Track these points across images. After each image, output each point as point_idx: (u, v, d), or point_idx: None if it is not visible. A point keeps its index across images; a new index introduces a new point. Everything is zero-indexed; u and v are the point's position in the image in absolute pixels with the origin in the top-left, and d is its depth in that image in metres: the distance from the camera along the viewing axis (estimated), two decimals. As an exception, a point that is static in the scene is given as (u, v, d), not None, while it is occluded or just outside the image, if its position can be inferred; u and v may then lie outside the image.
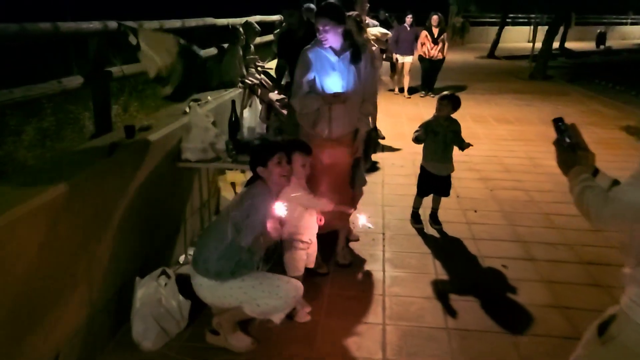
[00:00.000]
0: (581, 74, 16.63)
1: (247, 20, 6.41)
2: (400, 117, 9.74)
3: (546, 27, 17.24)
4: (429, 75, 12.22)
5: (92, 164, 2.96)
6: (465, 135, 4.83)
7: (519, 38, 29.14)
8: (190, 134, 4.00)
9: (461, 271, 4.18)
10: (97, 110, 3.73)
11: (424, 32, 11.68)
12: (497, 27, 23.96)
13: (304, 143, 3.49)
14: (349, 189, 4.06)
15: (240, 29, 5.96)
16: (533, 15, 28.14)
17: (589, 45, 27.60)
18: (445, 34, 11.81)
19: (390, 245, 4.61)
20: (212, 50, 5.68)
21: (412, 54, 11.71)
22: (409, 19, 11.65)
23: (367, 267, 4.23)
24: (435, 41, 11.64)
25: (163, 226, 3.86)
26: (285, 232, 3.41)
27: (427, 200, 5.05)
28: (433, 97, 10.95)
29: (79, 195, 2.76)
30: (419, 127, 4.79)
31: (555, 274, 4.13)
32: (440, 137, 4.73)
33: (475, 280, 4.04)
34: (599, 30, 28.50)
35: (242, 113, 5.33)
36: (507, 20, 25.43)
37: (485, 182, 6.25)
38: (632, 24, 35.95)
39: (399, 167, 6.86)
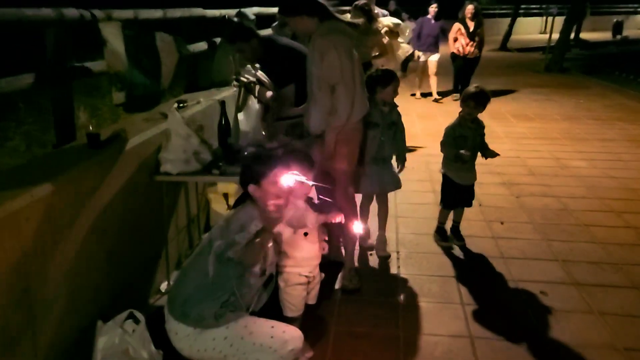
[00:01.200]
0: (599, 66, 15.89)
1: (240, 10, 5.76)
2: (410, 115, 9.07)
3: (560, 18, 16.50)
4: (464, 75, 10.45)
5: (42, 180, 2.36)
6: (485, 132, 4.24)
7: (532, 30, 28.36)
8: (170, 143, 3.39)
9: (492, 300, 3.55)
10: (57, 116, 3.11)
11: (457, 25, 9.99)
12: (508, 19, 23.19)
13: (306, 154, 2.87)
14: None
15: (235, 20, 5.32)
16: (545, 6, 27.45)
17: (605, 36, 26.74)
18: (482, 28, 10.08)
19: (406, 266, 3.98)
20: (202, 45, 5.04)
21: (437, 50, 10.10)
22: (433, 9, 10.02)
23: (379, 295, 3.60)
24: (471, 36, 9.91)
25: (139, 250, 3.25)
26: (281, 263, 2.79)
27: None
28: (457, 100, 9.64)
29: (24, 217, 2.19)
30: (445, 133, 4.18)
31: (606, 303, 3.48)
32: (469, 143, 4.11)
33: (511, 312, 3.41)
34: (615, 20, 27.60)
35: (236, 116, 4.70)
36: (520, 11, 24.66)
37: (509, 188, 5.60)
38: (647, 13, 34.96)
39: (410, 170, 6.18)
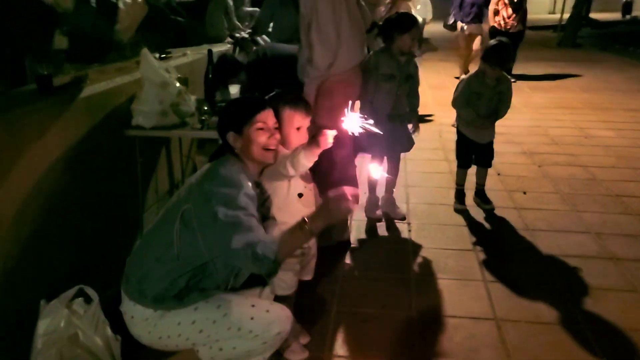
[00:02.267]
0: (613, 42, 15.21)
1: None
2: (421, 86, 8.49)
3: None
4: None
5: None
6: None
7: (540, 10, 27.48)
8: (143, 92, 2.89)
9: (518, 276, 3.04)
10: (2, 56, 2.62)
11: None
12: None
13: (298, 95, 2.37)
14: None
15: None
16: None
17: (614, 16, 25.93)
18: None
19: (419, 238, 3.48)
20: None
21: (480, 21, 8.28)
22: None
23: (388, 271, 3.11)
24: (516, 7, 8.25)
25: (106, 219, 2.76)
26: (270, 231, 2.28)
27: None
28: (514, 81, 7.93)
29: None
30: (459, 86, 3.76)
31: (651, 279, 2.98)
32: (484, 100, 3.66)
33: (541, 290, 2.90)
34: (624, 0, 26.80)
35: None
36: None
37: (530, 157, 5.07)
38: (658, -7, 34.00)
39: (421, 139, 5.67)
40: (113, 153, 2.80)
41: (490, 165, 3.90)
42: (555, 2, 27.44)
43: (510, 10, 8.27)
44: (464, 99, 3.69)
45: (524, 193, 4.20)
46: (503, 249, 3.38)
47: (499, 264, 3.17)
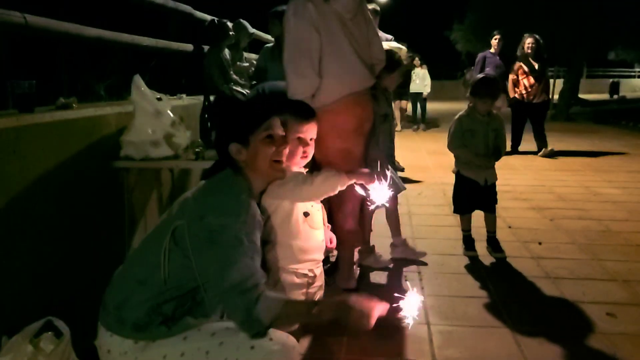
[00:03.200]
0: (605, 117, 15.43)
1: (239, 20, 5.21)
2: (419, 152, 8.46)
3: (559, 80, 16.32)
4: (535, 126, 8.08)
5: None
6: (500, 166, 3.72)
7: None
8: (134, 121, 2.69)
9: (547, 322, 2.73)
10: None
11: (517, 65, 7.77)
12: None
13: (302, 103, 2.18)
14: None
15: (229, 24, 4.75)
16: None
17: (602, 97, 26.67)
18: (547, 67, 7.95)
19: (432, 286, 3.19)
20: (186, 46, 4.44)
21: (505, 91, 7.90)
22: (496, 41, 7.93)
23: (401, 319, 2.79)
24: (538, 75, 7.62)
25: (88, 253, 2.47)
26: (270, 257, 2.01)
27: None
28: (554, 157, 7.75)
29: None
30: (451, 128, 3.64)
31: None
32: (479, 137, 3.56)
33: (575, 336, 2.59)
34: (611, 80, 27.72)
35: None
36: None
37: (540, 212, 4.84)
38: (639, 77, 35.20)
39: (425, 197, 5.48)
40: (98, 186, 2.56)
41: (493, 211, 3.70)
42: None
43: (532, 79, 7.64)
44: (458, 138, 3.56)
45: (540, 244, 3.94)
46: (526, 296, 3.08)
47: (523, 310, 2.86)
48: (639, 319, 2.77)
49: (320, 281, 2.15)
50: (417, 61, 11.09)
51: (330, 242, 2.18)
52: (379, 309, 1.64)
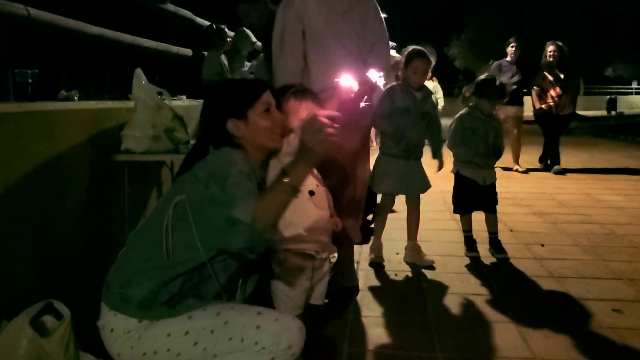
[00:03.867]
0: (603, 132, 15.48)
1: (242, 28, 5.24)
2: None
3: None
4: (553, 138, 7.66)
5: None
6: (499, 175, 3.85)
7: (527, 109, 28.46)
8: (135, 116, 2.68)
9: (553, 318, 2.69)
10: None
11: (541, 74, 7.18)
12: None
13: (307, 88, 2.17)
14: None
15: (226, 30, 4.77)
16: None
17: (599, 113, 26.79)
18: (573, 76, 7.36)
19: (435, 285, 3.17)
20: (186, 51, 4.46)
21: (521, 103, 7.48)
22: (512, 48, 7.37)
23: (404, 314, 2.75)
24: (564, 84, 7.05)
25: (89, 249, 2.44)
26: (274, 237, 1.97)
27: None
28: (563, 174, 7.24)
29: None
30: (452, 126, 3.66)
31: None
32: (480, 135, 3.57)
33: (581, 331, 2.55)
34: (609, 97, 27.86)
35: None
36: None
37: (542, 217, 4.81)
38: (636, 93, 35.44)
39: (426, 203, 5.43)
40: (99, 177, 2.53)
41: (494, 211, 3.70)
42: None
43: (558, 89, 7.06)
44: (459, 135, 3.56)
45: (542, 245, 3.90)
46: (529, 293, 3.05)
47: (527, 307, 2.83)
48: (646, 314, 2.73)
49: (325, 268, 2.12)
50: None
51: (337, 227, 2.15)
52: (322, 112, 1.51)
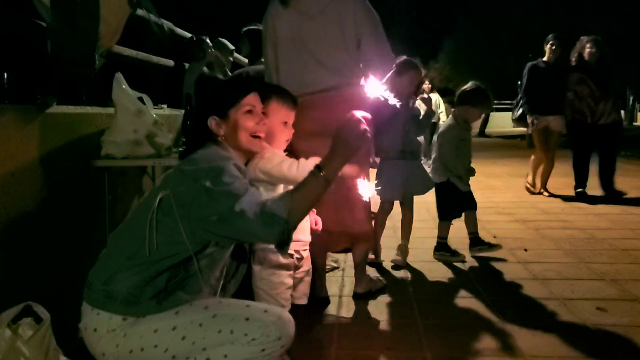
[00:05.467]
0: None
1: (218, 38, 5.25)
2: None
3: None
4: (601, 155, 6.28)
5: None
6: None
7: (505, 124, 28.83)
8: (115, 120, 2.64)
9: (539, 316, 2.70)
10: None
11: (576, 76, 5.92)
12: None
13: (285, 90, 2.17)
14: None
15: (208, 42, 4.77)
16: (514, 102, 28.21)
17: (577, 127, 27.24)
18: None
19: (421, 287, 3.19)
20: (166, 61, 4.44)
21: (560, 112, 6.10)
22: (553, 47, 6.07)
23: (391, 316, 2.73)
24: (604, 89, 5.84)
25: (68, 250, 2.39)
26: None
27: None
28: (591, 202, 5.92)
29: None
30: (443, 138, 3.69)
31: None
32: (469, 146, 3.72)
33: (566, 328, 2.55)
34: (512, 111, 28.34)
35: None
36: (493, 106, 25.26)
37: (524, 224, 4.85)
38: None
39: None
40: (78, 183, 2.49)
41: (476, 207, 3.79)
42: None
43: (596, 94, 5.88)
44: (455, 147, 3.60)
45: (525, 250, 3.92)
46: (515, 295, 3.05)
47: (513, 308, 2.82)
48: (630, 312, 2.74)
49: (307, 265, 2.10)
50: (427, 85, 9.09)
51: (315, 224, 2.14)
52: (358, 115, 1.56)
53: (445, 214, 3.75)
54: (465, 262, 3.65)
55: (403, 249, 3.63)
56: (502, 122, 28.87)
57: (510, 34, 14.42)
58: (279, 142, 2.02)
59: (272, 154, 1.94)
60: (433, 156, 3.80)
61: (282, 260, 1.98)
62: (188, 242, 1.57)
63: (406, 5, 24.09)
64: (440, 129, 3.82)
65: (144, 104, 2.75)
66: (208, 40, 4.74)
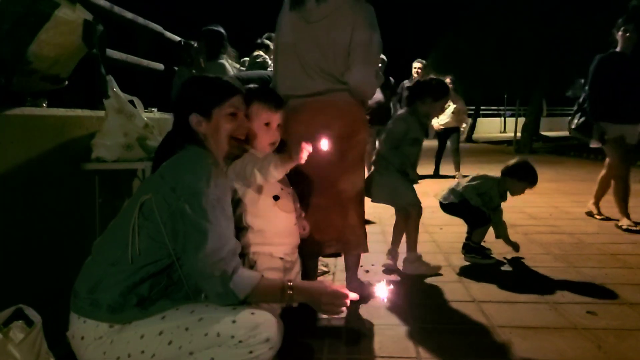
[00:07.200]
0: (567, 151, 15.89)
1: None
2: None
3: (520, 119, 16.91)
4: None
5: None
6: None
7: (492, 129, 29.11)
8: (106, 123, 2.62)
9: (534, 319, 2.71)
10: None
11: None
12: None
13: (271, 91, 2.17)
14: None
15: (195, 46, 4.75)
16: (502, 108, 28.56)
17: (562, 133, 27.47)
18: None
19: (414, 292, 3.16)
20: (156, 65, 4.41)
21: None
22: (625, 34, 4.67)
23: (383, 322, 2.72)
24: None
25: (57, 253, 2.35)
26: (245, 241, 1.95)
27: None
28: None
29: None
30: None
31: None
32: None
33: (565, 332, 2.56)
34: (570, 118, 28.55)
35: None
36: (479, 112, 25.49)
37: (513, 228, 4.85)
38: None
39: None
40: (68, 186, 2.46)
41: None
42: (505, 124, 29.28)
43: None
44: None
45: (517, 253, 3.94)
46: (504, 298, 3.05)
47: (503, 311, 2.83)
48: (620, 315, 2.76)
49: (297, 267, 2.09)
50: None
51: (304, 229, 2.14)
52: (350, 296, 1.65)
53: (478, 222, 3.88)
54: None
55: (418, 258, 3.60)
56: (489, 127, 29.13)
57: (494, 40, 14.52)
58: (261, 143, 2.02)
59: (243, 157, 1.94)
60: None
61: (272, 263, 1.97)
62: (170, 243, 1.55)
63: (393, 14, 24.20)
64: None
65: (135, 107, 2.74)
66: (196, 45, 4.72)
